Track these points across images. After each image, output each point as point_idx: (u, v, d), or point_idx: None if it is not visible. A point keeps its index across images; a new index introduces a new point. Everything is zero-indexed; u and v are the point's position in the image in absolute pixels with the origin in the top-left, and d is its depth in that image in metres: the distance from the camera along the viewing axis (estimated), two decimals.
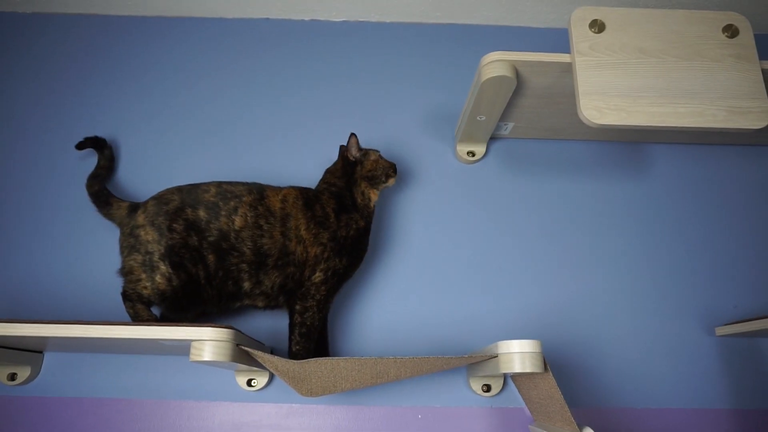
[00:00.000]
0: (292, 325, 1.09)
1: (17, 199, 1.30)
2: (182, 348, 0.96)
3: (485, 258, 1.29)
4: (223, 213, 1.08)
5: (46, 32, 1.48)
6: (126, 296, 1.05)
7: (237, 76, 1.44)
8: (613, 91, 1.04)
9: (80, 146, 1.26)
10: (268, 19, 1.52)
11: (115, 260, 1.12)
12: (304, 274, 1.10)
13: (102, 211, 1.18)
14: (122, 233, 1.11)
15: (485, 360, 0.98)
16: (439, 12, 1.50)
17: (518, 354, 0.89)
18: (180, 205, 1.08)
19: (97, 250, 1.25)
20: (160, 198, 1.11)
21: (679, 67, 1.06)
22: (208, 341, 0.87)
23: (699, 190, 1.38)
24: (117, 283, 1.09)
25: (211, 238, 1.07)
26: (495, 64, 1.07)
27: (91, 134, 1.28)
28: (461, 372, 1.19)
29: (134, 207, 1.13)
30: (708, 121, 1.02)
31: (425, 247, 1.30)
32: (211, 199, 1.09)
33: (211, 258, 1.07)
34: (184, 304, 1.06)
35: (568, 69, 1.09)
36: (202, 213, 1.08)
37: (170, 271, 1.04)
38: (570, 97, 1.18)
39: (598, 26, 1.09)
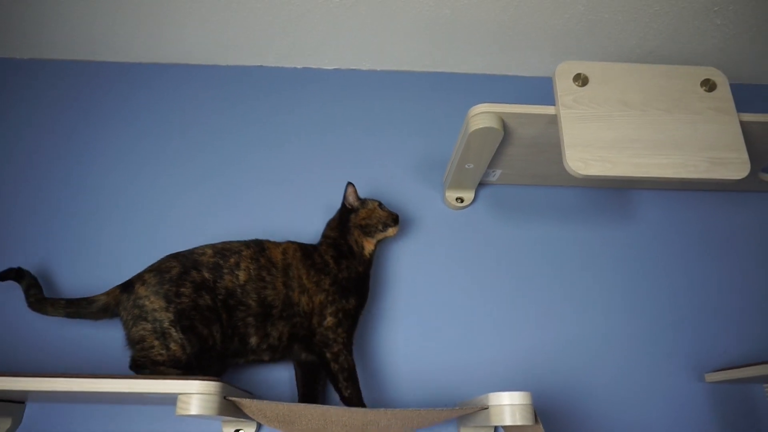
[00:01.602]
0: (333, 374, 1.07)
1: (6, 244, 1.29)
2: (168, 398, 0.94)
3: (474, 303, 1.29)
4: (225, 271, 1.08)
5: (43, 77, 1.50)
6: (138, 365, 1.02)
7: (230, 124, 1.46)
8: (598, 142, 1.06)
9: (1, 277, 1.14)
10: (261, 66, 1.55)
11: None
12: (312, 322, 1.09)
13: (93, 312, 1.09)
14: (123, 309, 1.07)
15: (476, 411, 0.97)
16: (429, 61, 1.54)
17: (508, 406, 0.89)
18: (183, 270, 1.07)
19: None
20: (159, 268, 1.08)
21: (661, 119, 1.10)
22: (195, 395, 0.86)
23: (685, 235, 1.40)
24: (100, 329, 1.07)
25: (220, 297, 1.07)
26: (482, 115, 1.10)
27: (86, 178, 1.28)
28: (451, 421, 1.17)
29: (126, 285, 1.09)
30: (690, 172, 1.05)
31: (413, 292, 1.30)
32: (211, 260, 1.09)
33: (224, 316, 1.06)
34: (195, 370, 1.04)
35: (553, 120, 1.12)
36: (207, 274, 1.08)
37: (182, 336, 1.02)
38: (556, 146, 1.21)
39: (581, 80, 1.12)
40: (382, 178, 1.41)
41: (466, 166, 1.26)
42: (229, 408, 0.92)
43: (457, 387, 1.21)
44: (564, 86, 1.11)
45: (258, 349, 1.09)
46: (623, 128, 1.08)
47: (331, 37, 1.46)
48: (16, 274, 1.15)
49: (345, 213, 1.22)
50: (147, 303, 1.04)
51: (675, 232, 1.40)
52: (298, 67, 1.56)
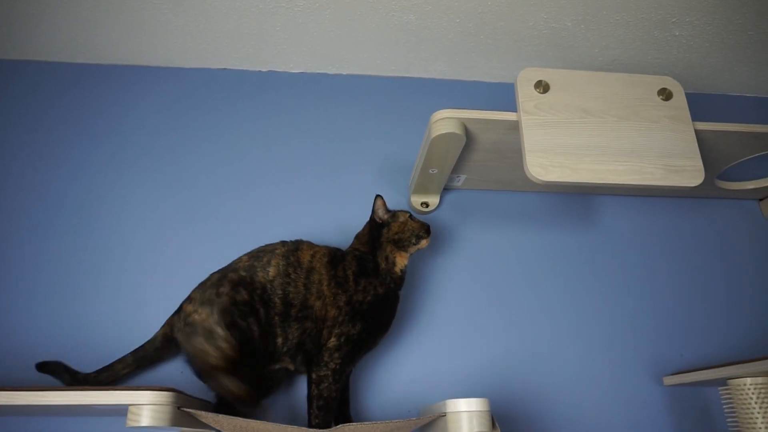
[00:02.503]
0: (309, 397, 1.05)
1: None
2: (120, 409, 0.92)
3: (437, 308, 1.29)
4: (258, 269, 1.08)
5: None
6: (202, 376, 1.01)
7: (191, 127, 1.43)
8: (558, 148, 1.07)
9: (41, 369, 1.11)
10: (225, 69, 1.53)
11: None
12: (322, 335, 1.07)
13: (159, 348, 1.10)
14: (177, 330, 1.07)
15: (435, 419, 0.96)
16: (394, 65, 1.54)
17: (466, 413, 0.89)
18: (221, 274, 1.08)
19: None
20: (203, 282, 1.10)
21: (619, 126, 1.11)
22: (146, 405, 0.84)
23: (644, 240, 1.42)
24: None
25: (258, 291, 1.06)
26: (444, 121, 1.10)
27: (43, 186, 1.24)
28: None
29: (177, 309, 1.10)
30: (646, 179, 1.07)
31: None
32: (246, 263, 1.10)
33: (261, 311, 1.06)
34: (245, 366, 1.03)
35: (515, 126, 1.13)
36: (243, 273, 1.08)
37: (227, 332, 1.01)
38: (518, 152, 1.22)
39: (543, 87, 1.13)
40: (347, 183, 1.40)
41: (431, 171, 1.26)
42: (184, 418, 0.90)
43: (419, 394, 1.20)
44: (525, 93, 1.12)
45: (281, 351, 1.07)
46: (583, 135, 1.09)
47: (297, 41, 1.45)
48: (54, 369, 1.10)
49: (375, 228, 1.16)
50: (195, 316, 1.04)
51: (635, 238, 1.42)
52: (263, 70, 1.54)
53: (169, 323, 1.10)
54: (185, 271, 1.25)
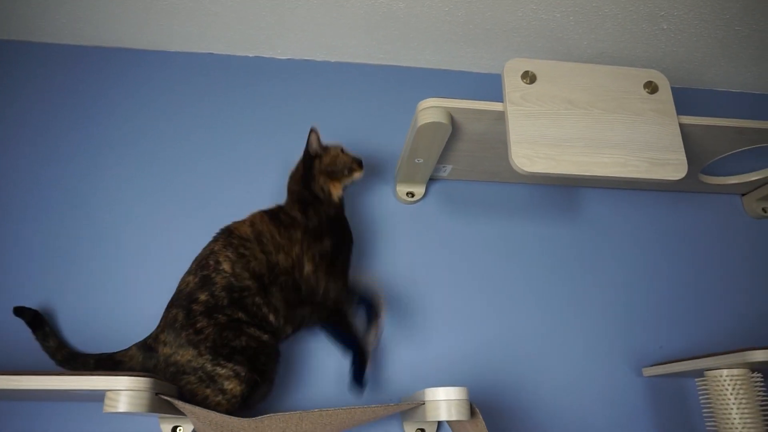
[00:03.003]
0: (345, 324, 1.11)
1: None
2: (98, 395, 0.91)
3: (423, 298, 1.29)
4: (213, 275, 1.04)
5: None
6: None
7: (176, 111, 1.41)
8: (543, 140, 1.07)
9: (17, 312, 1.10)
10: (211, 54, 1.51)
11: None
12: (295, 276, 1.08)
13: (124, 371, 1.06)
14: (158, 371, 1.02)
15: (415, 407, 0.97)
16: (382, 54, 1.53)
17: (444, 402, 0.89)
18: (186, 311, 1.02)
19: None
20: (167, 322, 1.04)
21: (604, 119, 1.11)
22: (123, 391, 0.83)
23: (627, 233, 1.43)
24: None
25: (226, 302, 1.03)
26: (430, 110, 1.10)
27: (33, 171, 1.22)
28: (395, 416, 1.17)
29: (145, 345, 1.05)
30: (631, 172, 1.07)
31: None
32: (195, 280, 1.05)
33: (241, 315, 1.03)
34: (264, 384, 1.03)
35: (501, 116, 1.13)
36: (203, 296, 1.03)
37: (232, 365, 0.98)
38: (504, 143, 1.22)
39: (529, 77, 1.13)
40: None
41: (416, 161, 1.25)
42: (162, 405, 0.90)
43: (405, 382, 1.20)
44: (512, 83, 1.12)
45: (280, 327, 1.07)
46: (568, 126, 1.09)
47: (284, 27, 1.43)
48: (33, 319, 1.08)
49: (308, 160, 1.17)
50: (178, 358, 0.99)
51: (618, 231, 1.43)
52: (250, 55, 1.52)
53: (139, 364, 1.04)
54: (176, 258, 1.24)
